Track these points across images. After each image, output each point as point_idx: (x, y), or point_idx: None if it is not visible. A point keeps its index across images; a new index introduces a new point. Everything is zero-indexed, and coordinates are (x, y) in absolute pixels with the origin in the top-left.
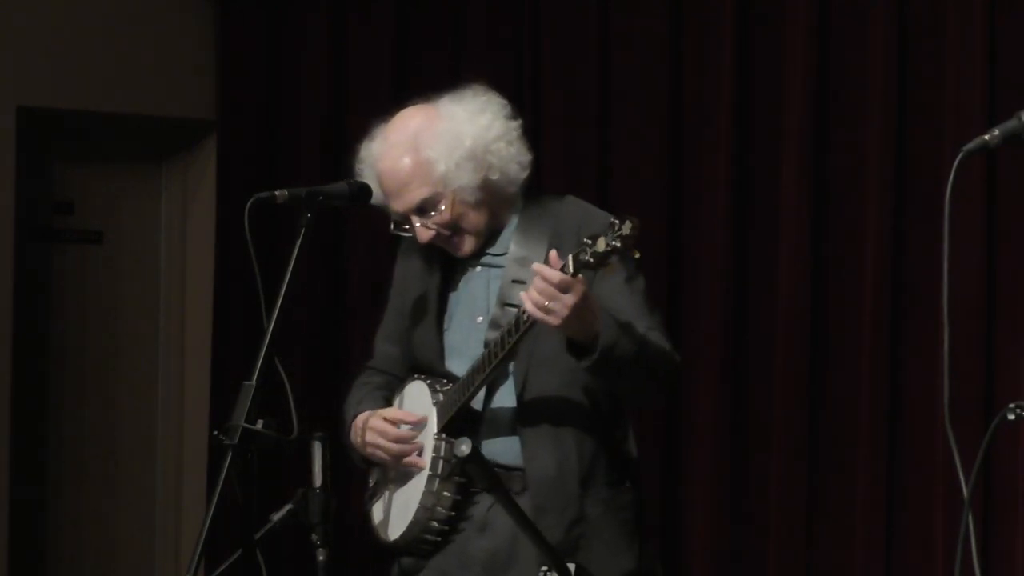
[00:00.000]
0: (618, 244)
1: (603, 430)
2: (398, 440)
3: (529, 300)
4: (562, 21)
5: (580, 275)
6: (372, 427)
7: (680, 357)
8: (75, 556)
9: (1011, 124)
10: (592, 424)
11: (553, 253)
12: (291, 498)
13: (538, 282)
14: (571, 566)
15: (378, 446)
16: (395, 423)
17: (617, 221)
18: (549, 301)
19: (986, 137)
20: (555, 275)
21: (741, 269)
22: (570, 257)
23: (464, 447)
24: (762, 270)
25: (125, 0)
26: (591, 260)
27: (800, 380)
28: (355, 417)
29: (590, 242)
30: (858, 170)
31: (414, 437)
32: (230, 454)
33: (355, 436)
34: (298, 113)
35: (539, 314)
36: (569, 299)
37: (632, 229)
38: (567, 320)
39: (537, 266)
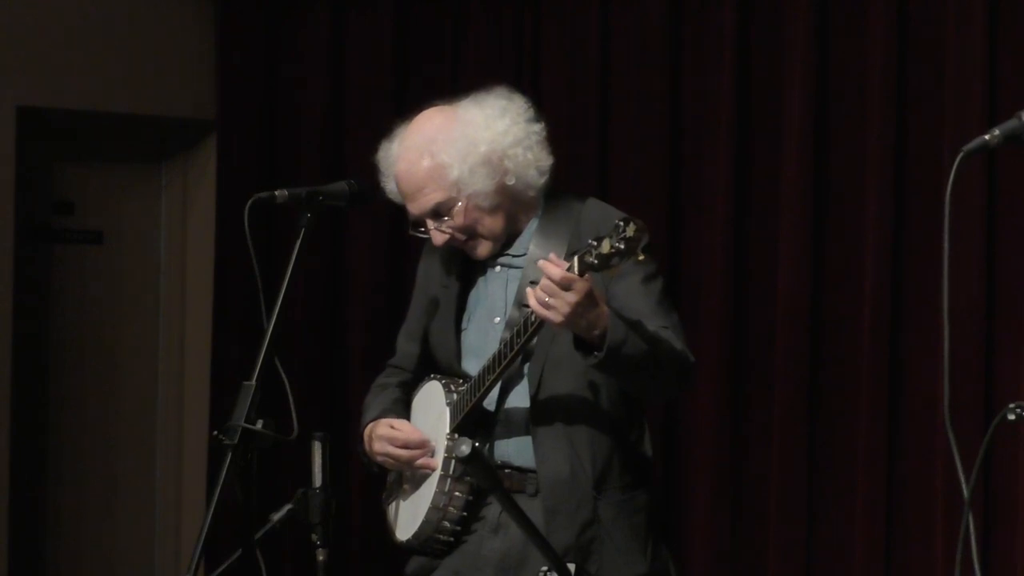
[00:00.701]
0: (621, 247)
1: (618, 432)
2: (405, 446)
3: (533, 296)
4: (562, 20)
5: (586, 275)
6: (379, 436)
7: (695, 358)
8: (75, 556)
9: (1011, 124)
10: (606, 426)
11: (552, 255)
12: (291, 498)
13: (543, 279)
14: (571, 566)
15: (387, 454)
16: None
17: (622, 223)
18: (551, 298)
19: (986, 137)
20: (557, 272)
21: (741, 269)
22: (575, 258)
23: (464, 447)
24: (762, 270)
25: (125, 0)
26: (595, 262)
27: (800, 380)
28: (365, 427)
29: (595, 244)
30: (858, 170)
31: (422, 443)
32: (230, 454)
33: (367, 446)
34: (298, 113)
35: (542, 311)
36: (571, 296)
37: (635, 232)
38: (569, 317)
39: (541, 263)
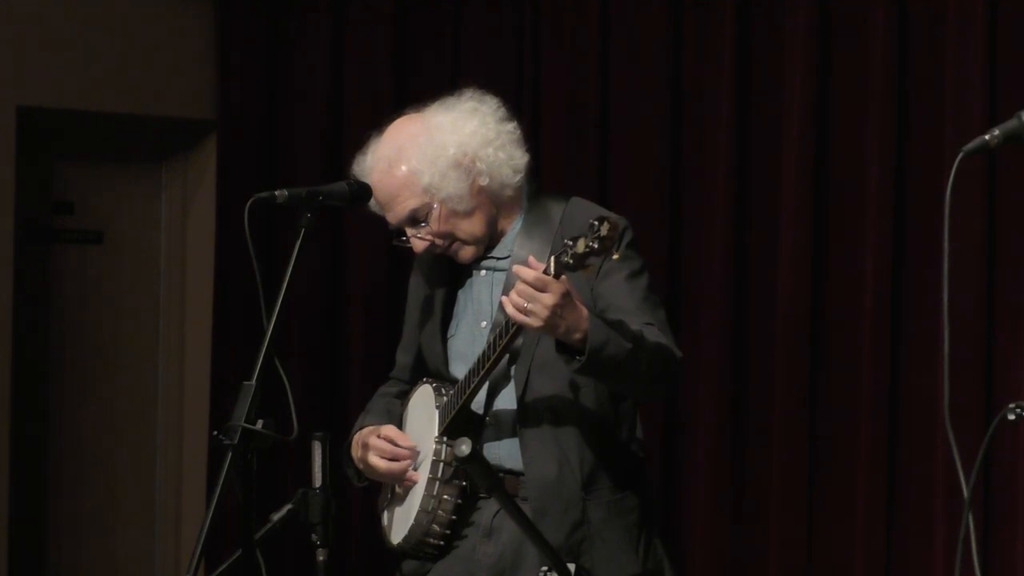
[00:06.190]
0: (596, 245)
1: (606, 432)
2: (393, 456)
3: (509, 303)
4: (562, 20)
5: (563, 276)
6: (367, 445)
7: (682, 352)
8: (75, 556)
9: (1011, 124)
10: (595, 426)
11: (531, 258)
12: (291, 498)
13: (518, 283)
14: (571, 566)
15: (372, 465)
16: (391, 441)
17: (596, 222)
18: (528, 302)
19: (986, 137)
20: (530, 274)
21: (741, 269)
22: (552, 259)
23: (464, 447)
24: (762, 270)
25: (125, 0)
26: (571, 262)
27: (800, 380)
28: (355, 433)
29: (571, 243)
30: (858, 170)
31: (408, 456)
32: (230, 454)
33: (355, 452)
34: (298, 113)
35: (519, 316)
36: (547, 299)
37: (610, 231)
38: (547, 320)
39: (516, 267)
